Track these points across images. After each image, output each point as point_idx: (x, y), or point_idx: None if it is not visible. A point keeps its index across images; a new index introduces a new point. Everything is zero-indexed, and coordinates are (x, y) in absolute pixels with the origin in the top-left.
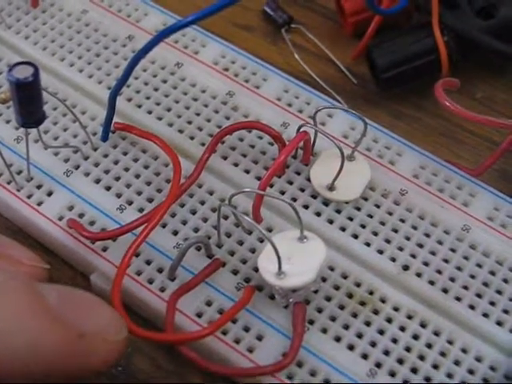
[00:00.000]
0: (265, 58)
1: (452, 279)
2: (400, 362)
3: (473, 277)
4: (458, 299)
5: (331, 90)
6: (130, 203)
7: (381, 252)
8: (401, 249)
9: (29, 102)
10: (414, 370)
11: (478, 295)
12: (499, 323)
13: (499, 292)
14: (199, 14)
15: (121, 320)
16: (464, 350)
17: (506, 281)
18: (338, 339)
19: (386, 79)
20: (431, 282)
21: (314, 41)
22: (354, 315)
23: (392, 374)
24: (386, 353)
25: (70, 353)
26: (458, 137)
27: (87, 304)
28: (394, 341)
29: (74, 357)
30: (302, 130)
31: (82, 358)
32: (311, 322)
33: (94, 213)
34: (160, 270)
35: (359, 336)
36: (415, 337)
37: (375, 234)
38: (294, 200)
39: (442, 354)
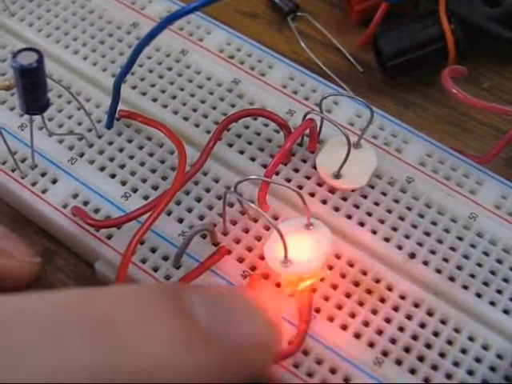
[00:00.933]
0: (270, 45)
1: (459, 267)
2: (407, 350)
3: (480, 265)
4: (465, 287)
5: (337, 78)
6: (135, 191)
7: (387, 240)
8: (407, 237)
9: (33, 89)
10: (421, 359)
11: (485, 283)
12: (506, 311)
13: (506, 280)
14: (203, 0)
15: (273, 322)
16: (471, 339)
17: None
18: (344, 327)
19: (392, 67)
20: (438, 271)
21: (320, 29)
22: (361, 303)
23: (398, 363)
24: (393, 341)
25: (228, 373)
26: (464, 125)
27: (235, 308)
28: (401, 329)
29: (233, 375)
30: (307, 117)
31: (241, 374)
32: (318, 310)
33: (99, 200)
34: (165, 258)
35: (366, 324)
36: (422, 325)
37: (381, 221)
38: (300, 188)
39: (449, 343)
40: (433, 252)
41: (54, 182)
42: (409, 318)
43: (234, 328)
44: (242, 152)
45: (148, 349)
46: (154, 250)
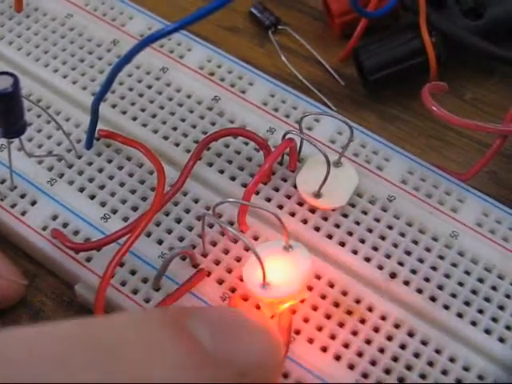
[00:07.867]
0: (251, 60)
1: (440, 287)
2: (387, 372)
3: (461, 284)
4: (446, 307)
5: (318, 92)
6: (115, 212)
7: (368, 260)
8: (388, 256)
9: (9, 113)
10: (401, 380)
11: (467, 303)
12: (487, 331)
13: (487, 300)
14: (185, 20)
15: (275, 338)
16: (452, 359)
17: (494, 288)
18: (324, 349)
19: (374, 81)
20: (419, 290)
21: (302, 42)
22: (341, 325)
23: None
24: (373, 363)
25: None
26: (446, 138)
27: (237, 329)
28: (381, 351)
29: None
30: (287, 136)
31: None
32: (297, 332)
33: (79, 222)
34: (145, 281)
35: (346, 346)
36: (402, 346)
37: (362, 241)
38: (280, 207)
39: (430, 364)
40: (414, 272)
41: (34, 203)
42: (389, 339)
43: (240, 348)
44: (221, 171)
45: (156, 375)
46: (133, 273)
